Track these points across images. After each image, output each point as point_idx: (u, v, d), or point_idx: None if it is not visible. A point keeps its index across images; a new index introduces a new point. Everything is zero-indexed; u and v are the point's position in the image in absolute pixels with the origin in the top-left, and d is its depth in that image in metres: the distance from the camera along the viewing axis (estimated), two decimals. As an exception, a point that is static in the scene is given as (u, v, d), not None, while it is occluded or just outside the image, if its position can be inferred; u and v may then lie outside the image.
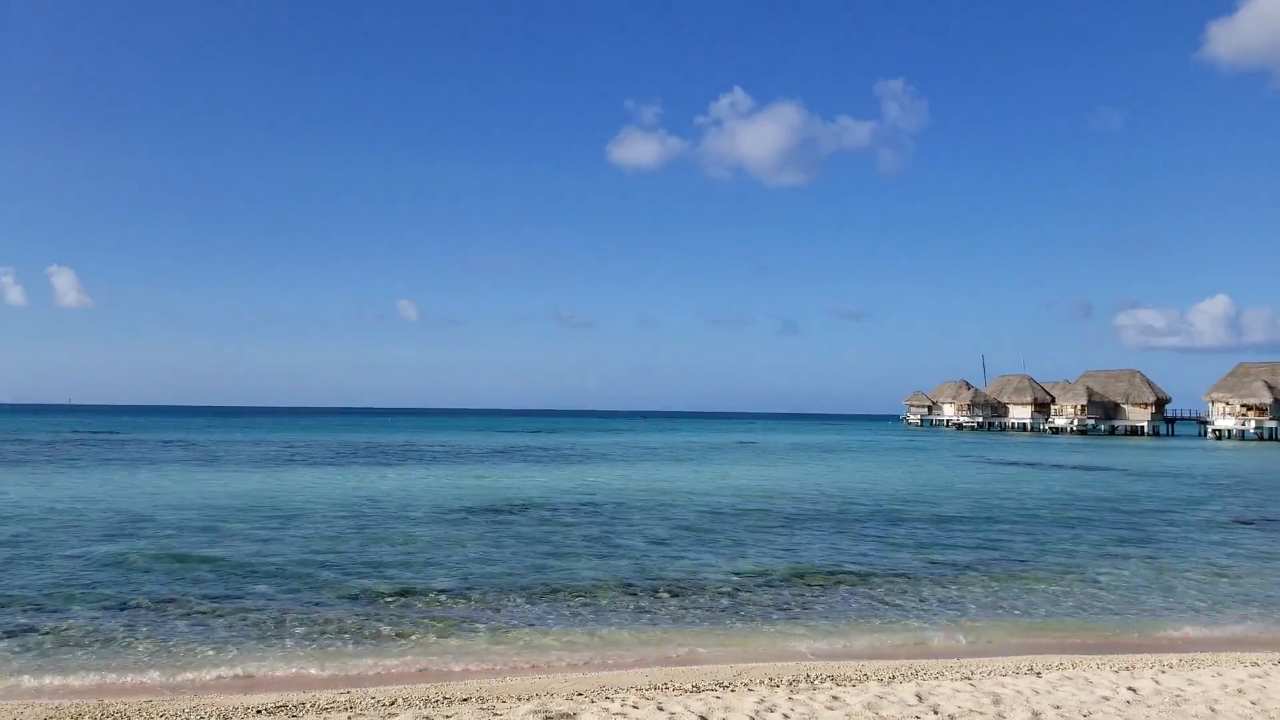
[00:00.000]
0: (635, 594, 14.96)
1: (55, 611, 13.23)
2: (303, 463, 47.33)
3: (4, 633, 12.06)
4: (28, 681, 10.12)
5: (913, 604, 14.80)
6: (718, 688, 9.73)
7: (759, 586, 15.71)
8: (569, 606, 14.08)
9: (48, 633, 12.10)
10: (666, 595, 14.92)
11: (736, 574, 16.72)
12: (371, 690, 9.53)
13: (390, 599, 14.31)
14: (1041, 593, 15.75)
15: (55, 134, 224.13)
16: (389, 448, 63.36)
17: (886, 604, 14.78)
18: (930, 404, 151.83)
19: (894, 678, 10.13)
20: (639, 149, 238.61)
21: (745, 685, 9.84)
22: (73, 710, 8.77)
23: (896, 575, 16.92)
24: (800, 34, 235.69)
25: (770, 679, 10.07)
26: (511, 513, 25.81)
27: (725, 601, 14.62)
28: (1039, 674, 10.32)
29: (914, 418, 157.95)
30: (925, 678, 10.13)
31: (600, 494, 31.65)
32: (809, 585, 15.93)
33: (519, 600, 14.39)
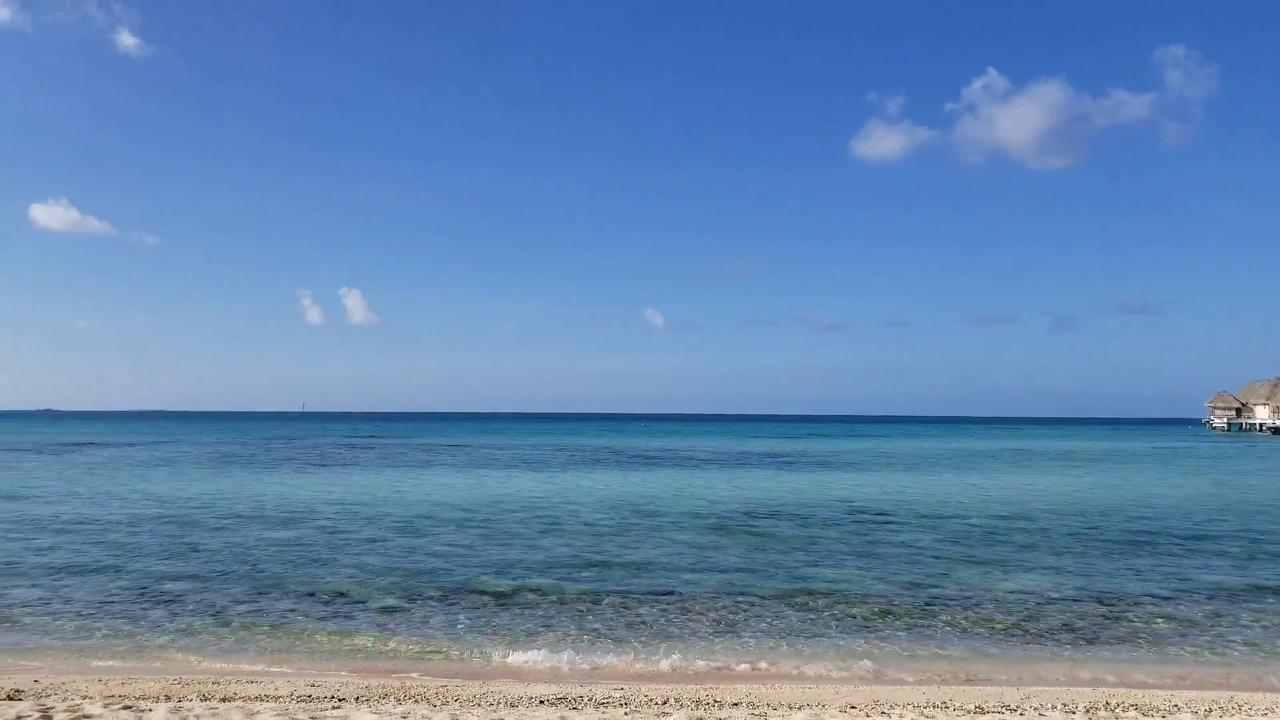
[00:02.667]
0: (905, 607, 14.33)
1: (357, 599, 14.63)
2: (560, 466, 49.68)
3: (320, 615, 13.50)
4: (333, 660, 11.24)
5: (1232, 633, 13.09)
6: (1004, 710, 9.06)
7: (1042, 606, 14.52)
8: (834, 616, 13.71)
9: (354, 618, 13.41)
10: (939, 609, 14.17)
11: (1018, 591, 15.59)
12: (644, 688, 9.71)
13: (652, 600, 14.59)
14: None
15: (341, 165, 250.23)
16: (642, 452, 65.15)
17: (1195, 631, 13.17)
18: (1239, 406, 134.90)
19: (1209, 711, 9.00)
20: (884, 142, 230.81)
21: (1035, 709, 9.10)
22: (380, 690, 9.59)
23: (1208, 599, 15.08)
24: (1059, 5, 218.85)
25: (1064, 704, 9.26)
26: (768, 518, 25.65)
27: (1006, 621, 13.64)
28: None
29: (1219, 421, 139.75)
30: (1253, 714, 8.91)
31: (859, 501, 30.76)
32: (1102, 605, 14.56)
33: (782, 607, 14.20)
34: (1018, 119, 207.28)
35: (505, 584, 15.74)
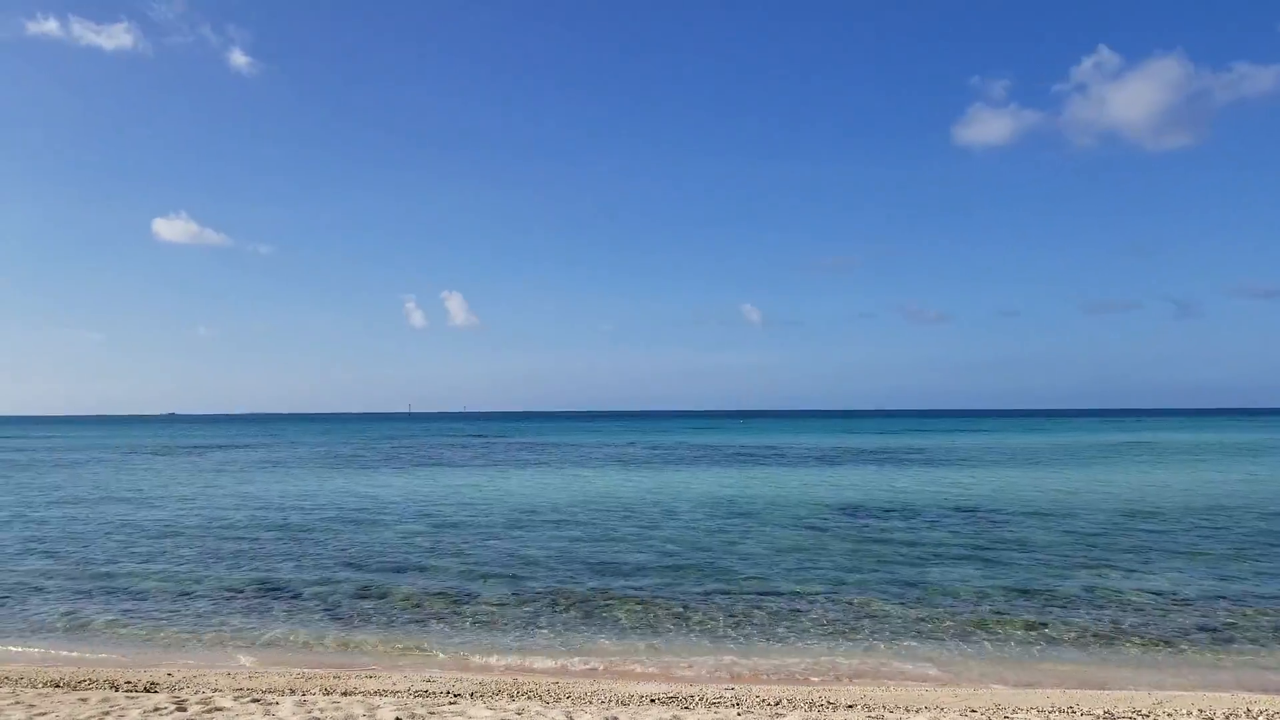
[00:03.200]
0: (1023, 608, 13.83)
1: (465, 596, 14.91)
2: (659, 464, 49.69)
3: (430, 612, 13.81)
4: (440, 657, 11.46)
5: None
6: (1136, 716, 8.63)
7: (1171, 608, 13.81)
8: (947, 617, 13.31)
9: (461, 614, 13.67)
10: (1060, 610, 13.62)
11: (1144, 591, 14.88)
12: (755, 689, 9.60)
13: (757, 599, 14.44)
14: None
15: (441, 172, 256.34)
16: (742, 450, 64.70)
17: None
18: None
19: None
20: (988, 127, 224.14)
21: (1169, 715, 8.64)
22: (493, 686, 9.73)
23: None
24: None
25: (1200, 710, 8.76)
26: (874, 516, 25.14)
27: (1133, 622, 13.02)
28: None
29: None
30: None
31: (969, 499, 29.87)
32: (1237, 606, 13.76)
33: (892, 607, 13.87)
34: (1132, 98, 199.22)
35: (608, 582, 15.82)
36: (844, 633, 12.50)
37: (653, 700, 9.04)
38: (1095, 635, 12.32)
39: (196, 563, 18.30)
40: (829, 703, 8.94)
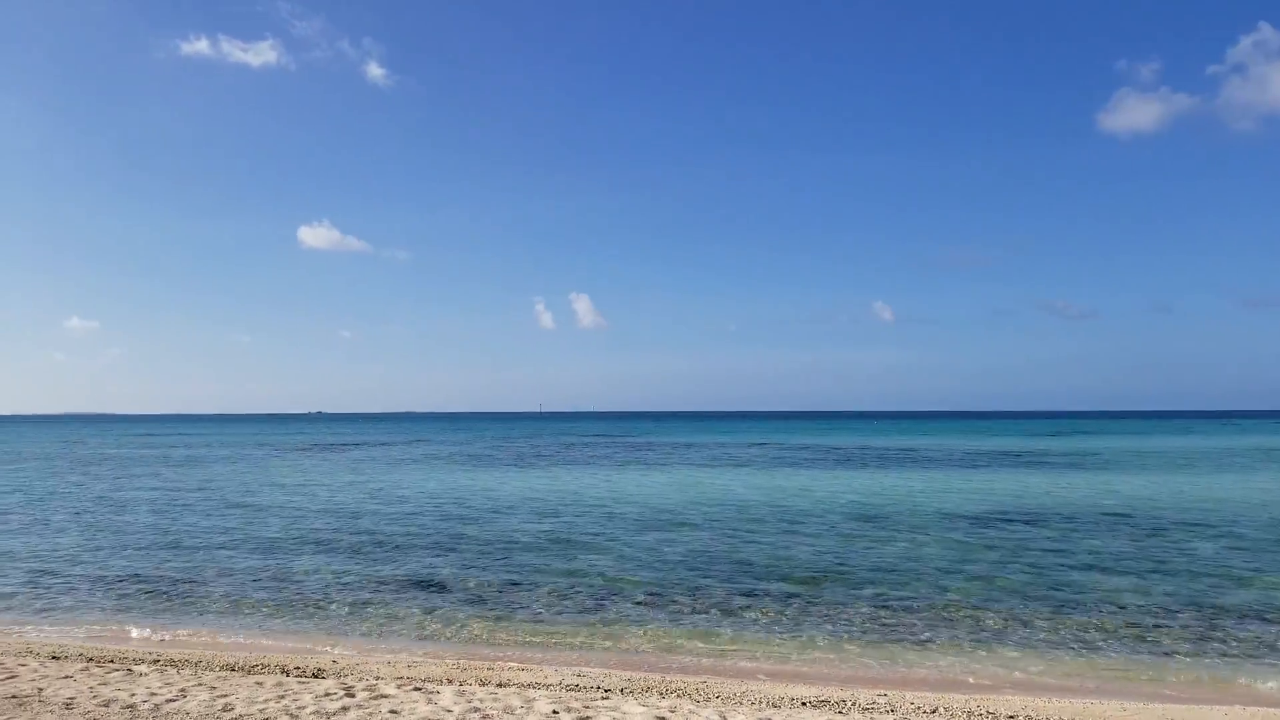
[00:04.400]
0: (1186, 620, 13.04)
1: (608, 592, 15.10)
2: (792, 465, 49.09)
3: (575, 607, 14.06)
4: (587, 653, 11.63)
5: None
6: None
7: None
8: (1101, 627, 12.66)
9: (606, 610, 13.86)
10: (1229, 624, 12.77)
11: (1327, 604, 13.82)
12: (909, 695, 9.38)
13: (902, 604, 14.09)
14: None
15: (568, 176, 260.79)
16: (875, 451, 63.28)
17: None
18: None
19: None
20: (1137, 113, 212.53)
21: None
22: (642, 683, 9.82)
23: None
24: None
25: None
26: (1020, 522, 24.17)
27: (1317, 637, 12.10)
28: None
29: None
30: None
31: (1120, 504, 28.33)
32: None
33: (1042, 616, 13.29)
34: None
35: (748, 584, 15.75)
36: (994, 640, 12.06)
37: (804, 703, 8.94)
38: (1254, 652, 11.48)
39: (350, 554, 19.17)
40: (989, 713, 8.64)
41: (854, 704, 8.90)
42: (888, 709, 8.75)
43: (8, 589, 16.24)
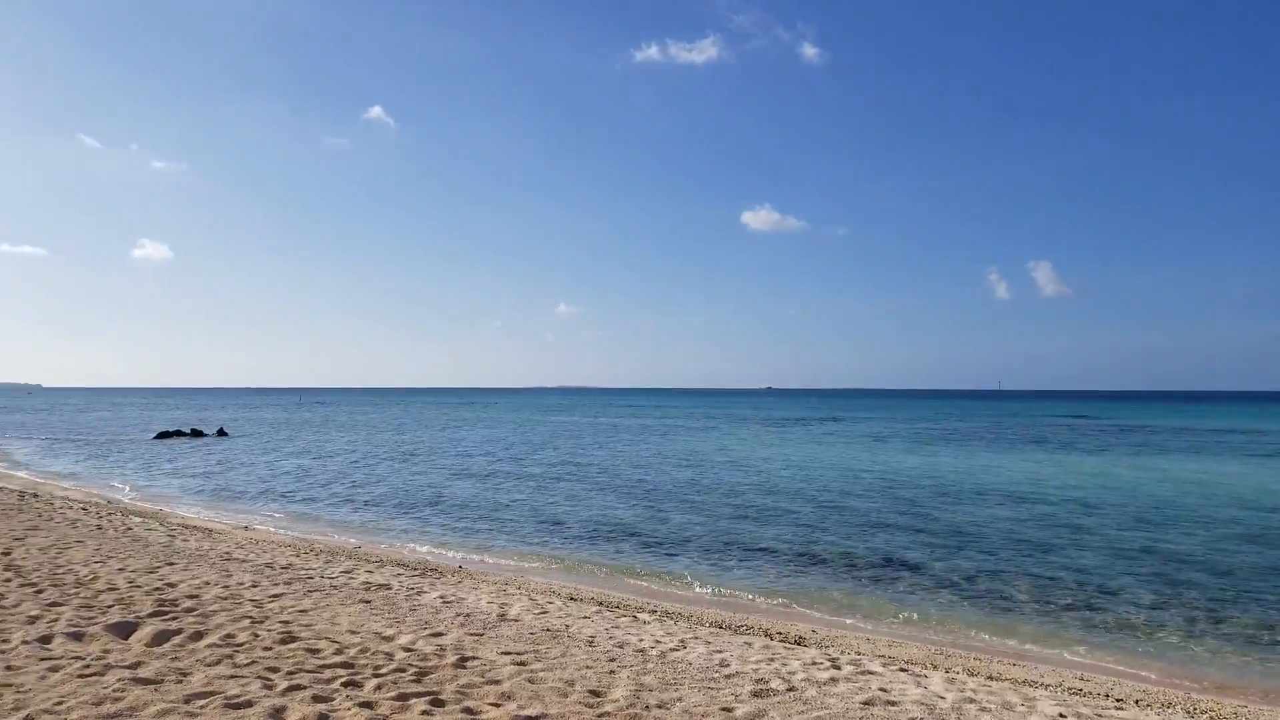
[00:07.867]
0: None
1: (1101, 590, 13.58)
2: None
3: (1062, 602, 12.84)
4: (1085, 652, 10.47)
5: None
6: None
7: None
8: None
9: (1100, 610, 12.46)
10: None
11: None
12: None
13: None
14: None
15: (1012, 144, 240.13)
16: None
17: None
18: None
19: None
20: None
21: None
22: (1161, 698, 8.63)
23: None
24: None
25: None
26: None
27: None
28: None
29: None
30: None
31: None
32: None
33: None
34: None
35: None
36: None
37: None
38: None
39: (814, 528, 19.49)
40: None
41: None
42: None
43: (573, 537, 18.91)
